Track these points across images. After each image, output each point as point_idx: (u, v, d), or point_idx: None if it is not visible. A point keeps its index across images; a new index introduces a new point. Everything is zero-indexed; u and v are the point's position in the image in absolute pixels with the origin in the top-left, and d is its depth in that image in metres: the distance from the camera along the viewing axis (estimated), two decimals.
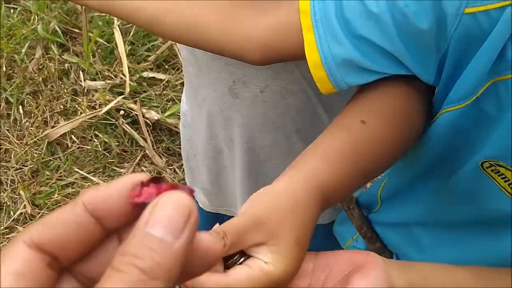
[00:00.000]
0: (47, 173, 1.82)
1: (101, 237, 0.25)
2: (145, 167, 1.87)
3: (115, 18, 2.22)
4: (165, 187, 0.25)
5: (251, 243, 0.42)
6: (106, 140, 1.89)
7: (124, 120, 1.93)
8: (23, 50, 2.10)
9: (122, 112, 1.94)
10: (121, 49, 2.08)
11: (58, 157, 1.86)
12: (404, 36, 0.50)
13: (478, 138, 0.53)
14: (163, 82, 2.02)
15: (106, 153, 1.89)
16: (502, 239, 0.58)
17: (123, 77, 2.04)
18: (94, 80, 2.06)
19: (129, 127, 1.91)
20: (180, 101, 1.06)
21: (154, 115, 1.91)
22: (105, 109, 1.92)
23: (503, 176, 0.53)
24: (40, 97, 2.00)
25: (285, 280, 0.42)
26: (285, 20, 0.56)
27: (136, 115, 1.94)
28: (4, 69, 2.05)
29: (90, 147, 1.88)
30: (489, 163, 0.54)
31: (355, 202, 0.82)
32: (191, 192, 0.25)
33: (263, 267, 0.41)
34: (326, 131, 0.55)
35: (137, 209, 0.25)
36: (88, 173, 1.82)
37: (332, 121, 0.57)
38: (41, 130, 1.90)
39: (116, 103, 1.94)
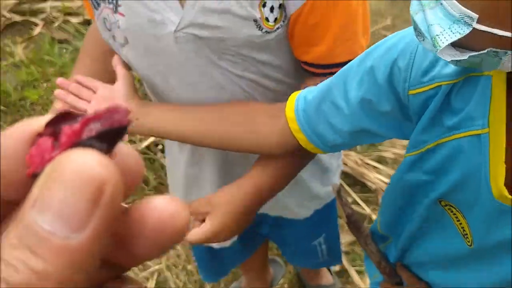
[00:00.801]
0: None
1: (4, 211, 0.17)
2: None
3: None
4: (65, 138, 0.16)
5: (202, 211, 0.77)
6: (145, 173, 1.99)
7: (162, 154, 2.02)
8: None
9: (160, 146, 2.04)
10: None
11: None
12: (376, 119, 0.62)
13: (433, 180, 0.61)
14: None
15: (144, 185, 1.98)
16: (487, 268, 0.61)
17: None
18: None
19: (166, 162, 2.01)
20: None
21: None
22: (145, 143, 2.03)
23: (455, 215, 0.60)
24: None
25: (214, 234, 0.75)
26: (287, 128, 0.71)
27: None
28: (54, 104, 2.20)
29: None
30: (444, 202, 0.61)
31: (372, 239, 0.85)
32: (121, 124, 0.16)
33: (202, 225, 0.76)
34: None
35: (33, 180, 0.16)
36: (126, 204, 1.91)
37: None
38: None
39: (155, 138, 2.04)
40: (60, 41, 2.52)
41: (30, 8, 2.69)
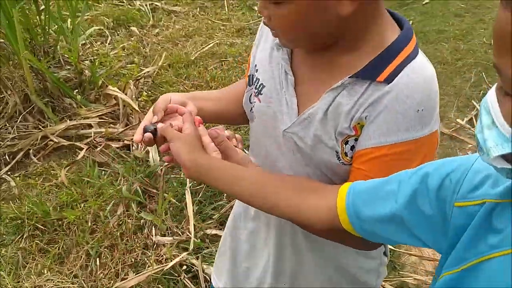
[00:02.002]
0: None
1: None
2: None
3: (187, 180, 2.52)
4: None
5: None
6: None
7: (185, 275, 2.07)
8: (108, 208, 2.40)
9: (184, 267, 2.10)
10: (190, 209, 2.32)
11: None
12: (416, 216, 0.69)
13: None
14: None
15: None
16: None
17: (189, 234, 2.24)
18: (164, 236, 2.28)
19: (189, 282, 2.05)
20: None
21: (212, 271, 2.04)
22: (170, 264, 2.09)
23: None
24: (116, 250, 2.23)
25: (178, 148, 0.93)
26: (335, 205, 0.80)
27: (197, 270, 2.08)
28: (89, 224, 2.33)
29: None
30: None
31: None
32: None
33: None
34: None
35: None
36: None
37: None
38: (112, 282, 2.09)
39: (180, 259, 2.11)
40: (100, 164, 2.73)
41: (76, 134, 2.96)
